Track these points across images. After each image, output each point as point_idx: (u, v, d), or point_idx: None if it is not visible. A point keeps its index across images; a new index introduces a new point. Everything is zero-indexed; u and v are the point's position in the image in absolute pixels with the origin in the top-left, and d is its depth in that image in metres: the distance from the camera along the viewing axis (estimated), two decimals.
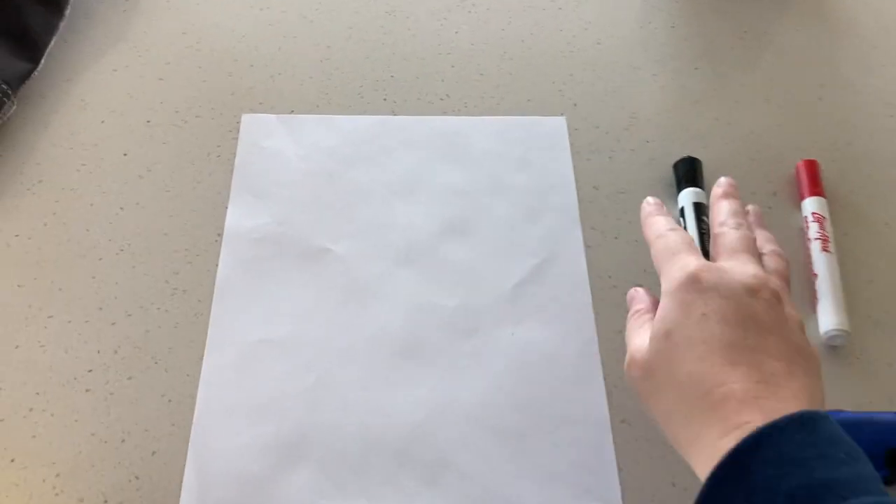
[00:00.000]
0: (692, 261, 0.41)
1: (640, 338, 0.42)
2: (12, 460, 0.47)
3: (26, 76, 0.60)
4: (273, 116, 0.61)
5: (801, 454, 0.32)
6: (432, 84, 0.65)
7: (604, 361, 0.52)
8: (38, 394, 0.49)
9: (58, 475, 0.47)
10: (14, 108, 0.60)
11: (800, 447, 0.33)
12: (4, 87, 0.58)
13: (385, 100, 0.64)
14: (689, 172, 0.59)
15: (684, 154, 0.61)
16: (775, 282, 0.40)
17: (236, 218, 0.56)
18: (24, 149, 0.59)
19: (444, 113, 0.63)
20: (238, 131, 0.61)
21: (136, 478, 0.47)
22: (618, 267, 0.56)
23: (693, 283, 0.39)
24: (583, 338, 0.52)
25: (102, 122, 0.61)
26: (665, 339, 0.39)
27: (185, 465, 0.47)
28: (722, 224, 0.45)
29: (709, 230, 0.51)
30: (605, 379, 0.51)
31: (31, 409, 0.49)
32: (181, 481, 0.46)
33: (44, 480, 0.46)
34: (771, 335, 0.38)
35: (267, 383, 0.49)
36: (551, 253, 0.55)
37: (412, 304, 0.53)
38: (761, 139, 0.63)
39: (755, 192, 0.60)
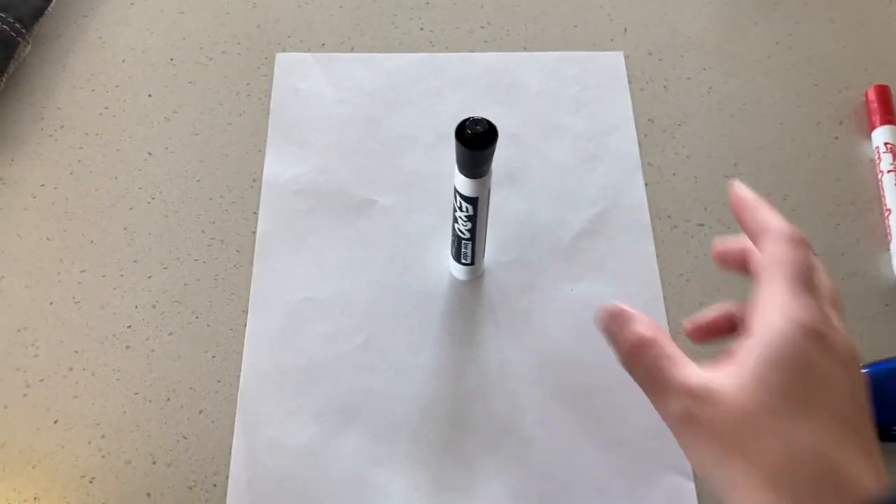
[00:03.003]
0: (814, 305, 0.31)
1: (706, 374, 0.31)
2: (55, 422, 0.45)
3: (39, 13, 0.56)
4: (308, 55, 0.57)
5: None
6: (471, 10, 0.61)
7: (667, 310, 0.49)
8: (76, 352, 0.47)
9: (103, 436, 0.45)
10: (28, 48, 0.56)
11: None
12: (17, 26, 0.55)
13: (421, 29, 0.59)
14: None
15: (744, 83, 0.57)
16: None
17: (274, 167, 0.52)
18: (43, 92, 0.56)
19: (486, 42, 0.59)
20: (268, 68, 0.57)
21: (184, 437, 0.45)
22: (677, 205, 0.53)
23: (817, 337, 0.30)
24: (648, 294, 0.49)
25: (123, 61, 0.58)
26: (781, 393, 0.30)
27: (233, 424, 0.45)
28: (785, 239, 0.33)
29: None
30: (669, 328, 0.48)
31: (70, 369, 0.47)
32: (230, 441, 0.45)
33: (89, 442, 0.45)
34: (866, 409, 0.31)
35: (313, 345, 0.47)
36: (611, 201, 0.52)
37: None
38: (826, 63, 0.59)
39: (820, 122, 0.56)
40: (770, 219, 0.35)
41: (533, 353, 0.47)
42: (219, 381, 0.46)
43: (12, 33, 0.54)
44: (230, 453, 0.44)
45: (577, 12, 0.61)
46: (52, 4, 0.58)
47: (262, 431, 0.45)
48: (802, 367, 0.30)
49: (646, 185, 0.53)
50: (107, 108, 0.55)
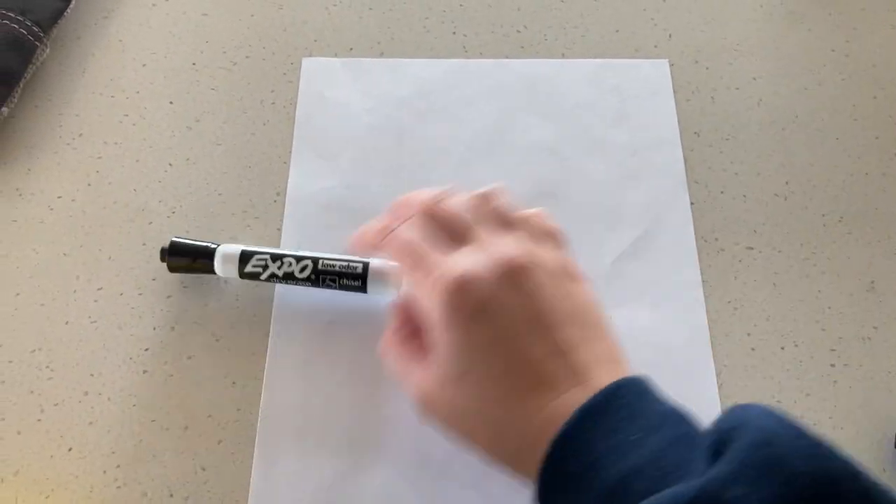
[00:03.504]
0: (448, 267, 0.35)
1: (417, 368, 0.38)
2: (70, 449, 0.43)
3: (58, 15, 0.54)
4: (336, 60, 0.54)
5: (594, 454, 0.31)
6: (507, 14, 0.58)
7: (713, 340, 0.46)
8: (92, 375, 0.45)
9: (118, 466, 0.43)
10: (47, 51, 0.54)
11: (591, 447, 0.31)
12: (35, 29, 0.53)
13: (454, 33, 0.57)
14: None
15: (797, 93, 0.54)
16: (528, 248, 0.36)
17: (299, 180, 0.50)
18: (62, 98, 0.54)
19: (522, 48, 0.56)
20: (293, 74, 0.54)
21: (203, 469, 0.43)
22: (724, 226, 0.49)
23: (460, 307, 0.34)
24: (692, 322, 0.46)
25: (144, 65, 0.55)
26: (461, 381, 0.35)
27: (252, 455, 0.43)
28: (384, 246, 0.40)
29: None
30: (715, 365, 0.45)
31: (86, 393, 0.45)
32: (249, 473, 0.42)
33: (104, 472, 0.43)
34: (555, 326, 0.35)
35: (337, 372, 0.45)
36: (654, 222, 0.49)
37: None
38: (886, 73, 0.55)
39: (878, 137, 0.53)
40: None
41: None
42: (239, 410, 0.44)
43: (30, 37, 0.52)
44: (249, 486, 0.42)
45: (619, 16, 0.57)
46: (71, 5, 0.55)
47: (282, 465, 0.42)
48: (459, 339, 0.34)
49: (691, 204, 0.50)
50: (127, 115, 0.53)
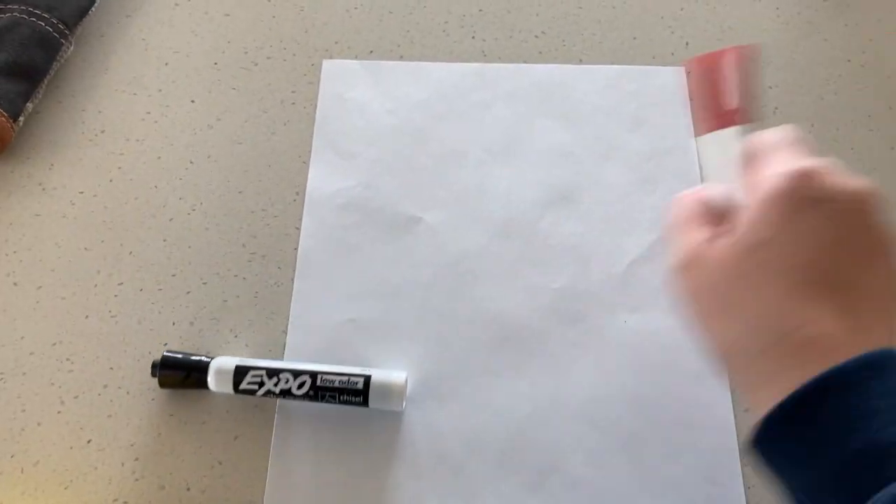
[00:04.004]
0: (795, 159, 0.33)
1: (698, 235, 0.35)
2: (89, 441, 0.44)
3: (83, 13, 0.55)
4: (356, 63, 0.55)
5: (870, 407, 0.29)
6: (525, 19, 0.58)
7: None
8: (111, 369, 0.46)
9: (136, 459, 0.44)
10: (71, 49, 0.55)
11: (869, 398, 0.29)
12: (61, 26, 0.53)
13: (473, 37, 0.57)
14: None
15: (813, 102, 0.54)
16: (879, 190, 0.34)
17: (319, 180, 0.51)
18: (85, 95, 0.54)
19: (540, 53, 0.56)
20: (314, 75, 0.55)
21: (220, 463, 0.43)
22: None
23: (796, 192, 0.32)
24: None
25: (166, 64, 0.56)
26: (750, 255, 0.32)
27: (269, 452, 0.43)
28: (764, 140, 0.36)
29: None
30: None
31: (105, 386, 0.45)
32: (265, 469, 0.43)
33: (123, 464, 0.43)
34: (873, 264, 0.32)
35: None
36: None
37: (511, 285, 0.47)
38: None
39: (894, 146, 0.53)
40: None
41: (583, 387, 0.44)
42: (255, 406, 0.45)
43: (55, 34, 0.53)
44: (265, 481, 0.43)
45: (637, 23, 0.58)
46: (96, 4, 0.56)
47: (298, 460, 0.43)
48: (782, 219, 0.32)
49: None
50: (149, 112, 0.54)
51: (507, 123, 0.53)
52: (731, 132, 0.37)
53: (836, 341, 0.31)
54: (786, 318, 0.31)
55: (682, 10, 0.58)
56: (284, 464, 0.43)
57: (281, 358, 0.46)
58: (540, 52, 0.56)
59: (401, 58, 0.56)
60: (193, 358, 0.44)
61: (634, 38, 0.57)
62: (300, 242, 0.49)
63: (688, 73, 0.41)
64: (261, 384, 0.43)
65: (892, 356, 0.30)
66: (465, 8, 0.58)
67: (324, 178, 0.51)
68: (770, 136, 0.35)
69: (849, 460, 0.29)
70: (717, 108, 0.37)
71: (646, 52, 0.57)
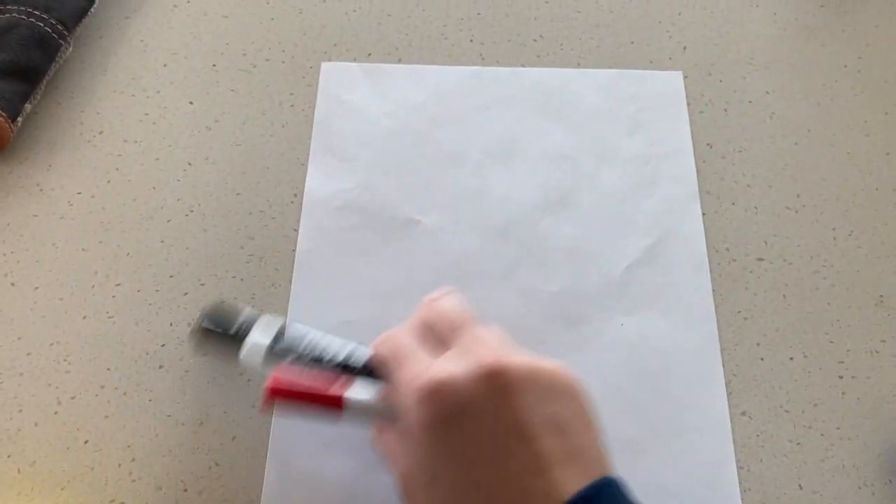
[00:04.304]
0: (417, 378, 0.33)
1: (393, 466, 0.36)
2: (86, 442, 0.44)
3: (82, 14, 0.55)
4: (355, 65, 0.55)
5: None
6: (524, 23, 0.58)
7: (723, 349, 0.46)
8: (108, 370, 0.46)
9: (133, 459, 0.44)
10: (70, 50, 0.55)
11: None
12: (59, 27, 0.53)
13: (471, 41, 0.57)
14: None
15: (810, 108, 0.54)
16: (511, 349, 0.34)
17: (317, 182, 0.51)
18: (83, 96, 0.55)
19: (538, 56, 0.56)
20: (312, 78, 0.55)
21: (216, 464, 0.43)
22: (735, 238, 0.50)
23: (433, 415, 0.32)
24: (702, 332, 0.46)
25: (165, 65, 0.56)
26: (428, 492, 0.33)
27: (266, 452, 0.43)
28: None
29: None
30: (724, 374, 0.46)
31: (102, 387, 0.45)
32: (263, 470, 0.43)
33: (119, 465, 0.43)
34: (533, 438, 0.31)
35: None
36: (667, 231, 0.49)
37: (508, 288, 0.47)
38: None
39: (889, 153, 0.53)
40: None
41: None
42: (253, 407, 0.45)
43: (54, 35, 0.53)
44: (262, 483, 0.43)
45: (635, 28, 0.58)
46: (95, 4, 0.56)
47: (295, 463, 0.43)
48: (436, 450, 0.32)
49: (703, 214, 0.51)
50: (147, 114, 0.54)
51: (505, 126, 0.53)
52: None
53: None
54: None
55: (679, 14, 0.59)
56: (282, 465, 0.43)
57: None
58: (538, 56, 0.57)
59: (399, 61, 0.56)
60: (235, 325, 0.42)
61: (632, 43, 0.57)
62: (298, 244, 0.49)
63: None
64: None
65: (609, 483, 0.31)
66: (464, 11, 0.59)
67: (322, 181, 0.51)
68: (392, 338, 0.37)
69: None
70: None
71: (643, 56, 0.57)
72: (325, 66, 0.55)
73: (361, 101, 0.54)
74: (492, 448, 0.31)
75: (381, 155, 0.52)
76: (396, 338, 0.37)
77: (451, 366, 0.33)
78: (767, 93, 0.55)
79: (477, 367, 0.32)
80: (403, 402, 0.34)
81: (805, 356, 0.46)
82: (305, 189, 0.51)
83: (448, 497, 0.32)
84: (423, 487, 0.33)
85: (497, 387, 0.32)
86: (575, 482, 0.31)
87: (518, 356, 0.33)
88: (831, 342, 0.47)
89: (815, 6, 0.59)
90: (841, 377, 0.46)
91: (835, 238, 0.50)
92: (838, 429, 0.44)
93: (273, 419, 0.44)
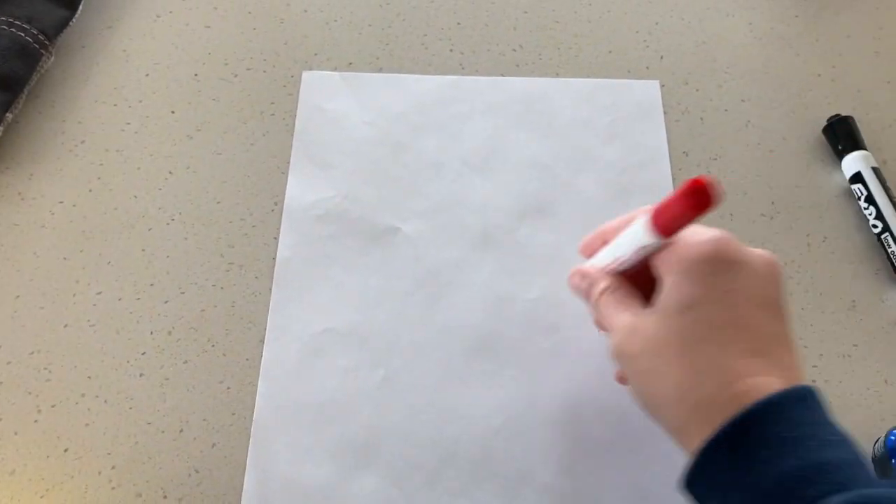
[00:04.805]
0: (708, 230, 0.36)
1: (632, 312, 0.38)
2: (66, 450, 0.44)
3: (64, 24, 0.55)
4: (336, 74, 0.56)
5: (797, 434, 0.32)
6: (503, 33, 0.59)
7: None
8: (89, 378, 0.46)
9: (113, 467, 0.44)
10: (52, 59, 0.55)
11: (795, 426, 0.32)
12: (41, 37, 0.54)
13: (451, 50, 0.58)
14: (849, 133, 0.53)
15: (784, 116, 0.55)
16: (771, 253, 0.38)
17: (297, 191, 0.51)
18: (65, 105, 0.55)
19: (517, 66, 0.57)
20: (293, 87, 0.56)
21: (196, 471, 0.44)
22: None
23: (718, 255, 0.35)
24: None
25: (147, 75, 0.56)
26: (682, 315, 0.35)
27: (246, 459, 0.44)
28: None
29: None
30: None
31: (83, 395, 0.46)
32: (242, 477, 0.43)
33: (99, 473, 0.44)
34: (784, 320, 0.36)
35: (331, 380, 0.46)
36: None
37: (487, 295, 0.48)
38: (870, 97, 0.57)
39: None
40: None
41: (557, 396, 0.45)
42: (233, 414, 0.45)
43: (35, 45, 0.53)
44: (242, 490, 0.43)
45: (613, 38, 0.59)
46: (76, 14, 0.57)
47: (275, 468, 0.43)
48: (706, 282, 0.35)
49: None
50: (129, 123, 0.54)
51: (485, 135, 0.53)
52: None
53: (768, 386, 0.33)
54: (723, 372, 0.34)
55: (657, 24, 0.60)
56: (261, 472, 0.43)
57: (256, 364, 0.46)
58: (517, 66, 0.57)
59: (380, 70, 0.57)
60: None
61: (610, 52, 0.58)
62: (278, 252, 0.49)
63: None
64: None
65: (810, 390, 0.33)
66: (444, 21, 0.59)
67: (302, 189, 0.51)
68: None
69: (773, 484, 0.31)
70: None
71: (621, 65, 0.57)
72: (305, 75, 0.56)
73: (342, 109, 0.54)
74: (752, 303, 0.35)
75: (362, 163, 0.52)
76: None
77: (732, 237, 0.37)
78: (743, 101, 0.56)
79: (761, 251, 0.37)
80: (678, 252, 0.36)
81: None
82: (286, 197, 0.51)
83: (693, 327, 0.35)
84: (670, 317, 0.35)
85: (771, 268, 0.36)
86: (801, 372, 0.35)
87: None
88: (805, 347, 0.48)
89: (789, 16, 0.60)
90: (814, 381, 0.47)
91: (808, 244, 0.51)
92: None
93: (253, 425, 0.44)
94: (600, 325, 0.41)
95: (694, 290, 0.35)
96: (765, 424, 0.32)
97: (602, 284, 0.40)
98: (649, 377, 0.36)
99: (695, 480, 0.34)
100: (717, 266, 0.35)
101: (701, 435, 0.33)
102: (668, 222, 0.35)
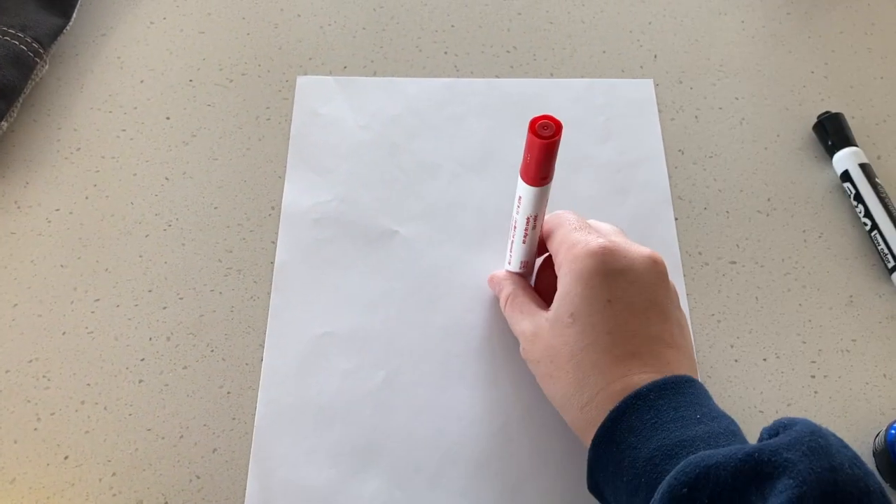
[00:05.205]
0: (593, 239, 0.39)
1: (531, 320, 0.41)
2: (66, 457, 0.44)
3: (58, 32, 0.55)
4: (330, 78, 0.56)
5: (660, 418, 0.35)
6: (497, 34, 0.59)
7: (697, 351, 0.47)
8: (88, 385, 0.46)
9: (114, 474, 0.44)
10: (46, 67, 0.55)
11: (659, 412, 0.35)
12: (35, 45, 0.54)
13: (446, 53, 0.58)
14: (839, 130, 0.54)
15: (778, 113, 0.55)
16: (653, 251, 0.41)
17: (294, 195, 0.51)
18: (60, 113, 0.55)
19: (511, 67, 0.57)
20: (288, 91, 0.56)
21: (197, 477, 0.44)
22: (708, 242, 0.51)
23: (600, 267, 0.38)
24: None
25: (141, 81, 0.56)
26: (569, 325, 0.39)
27: (247, 464, 0.44)
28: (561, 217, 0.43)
29: (886, 193, 0.50)
30: (699, 376, 0.47)
31: (82, 402, 0.45)
32: (244, 482, 0.43)
33: (100, 480, 0.43)
34: (668, 319, 0.39)
35: (332, 382, 0.46)
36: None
37: (486, 296, 0.48)
38: (863, 93, 0.57)
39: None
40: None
41: None
42: (233, 419, 0.45)
43: (30, 53, 0.53)
44: (244, 495, 0.43)
45: (606, 37, 0.59)
46: (70, 22, 0.57)
47: (277, 472, 0.43)
48: (589, 294, 0.38)
49: (675, 219, 0.51)
50: (124, 130, 0.54)
51: (480, 137, 0.53)
52: None
53: (641, 382, 0.36)
54: (602, 376, 0.37)
55: (650, 23, 0.60)
56: (263, 476, 0.43)
57: (256, 369, 0.46)
58: (511, 67, 0.57)
59: (374, 73, 0.57)
60: None
61: (604, 52, 0.58)
62: (276, 257, 0.49)
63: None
64: None
65: (685, 380, 0.36)
66: (438, 24, 0.59)
67: (299, 193, 0.51)
68: (560, 215, 0.43)
69: (640, 465, 0.34)
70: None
71: (615, 65, 0.58)
72: (301, 79, 0.56)
73: (337, 113, 0.54)
74: (637, 308, 0.38)
75: (358, 167, 0.52)
76: (564, 214, 0.43)
77: (620, 240, 0.40)
78: (737, 99, 0.57)
79: (644, 250, 0.40)
80: (568, 259, 0.40)
81: (778, 357, 0.47)
82: (283, 202, 0.51)
83: (580, 335, 0.38)
84: (561, 326, 0.39)
85: (655, 269, 0.39)
86: (678, 365, 0.38)
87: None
88: (803, 342, 0.48)
89: (781, 14, 0.61)
90: (813, 377, 0.47)
91: (805, 240, 0.51)
92: None
93: (255, 430, 0.44)
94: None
95: (578, 301, 0.38)
96: (633, 414, 0.35)
97: (505, 291, 0.44)
98: (549, 381, 0.40)
99: (592, 480, 0.37)
100: (599, 278, 0.38)
101: (589, 434, 0.37)
102: (526, 167, 0.39)
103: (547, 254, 0.44)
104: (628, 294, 0.38)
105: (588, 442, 0.37)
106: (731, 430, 0.34)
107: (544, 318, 0.40)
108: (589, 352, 0.38)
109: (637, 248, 0.40)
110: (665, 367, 0.37)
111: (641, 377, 0.36)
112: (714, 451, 0.32)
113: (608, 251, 0.39)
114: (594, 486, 0.38)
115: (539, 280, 0.46)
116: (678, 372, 0.37)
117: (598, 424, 0.36)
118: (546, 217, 0.43)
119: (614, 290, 0.38)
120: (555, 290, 0.40)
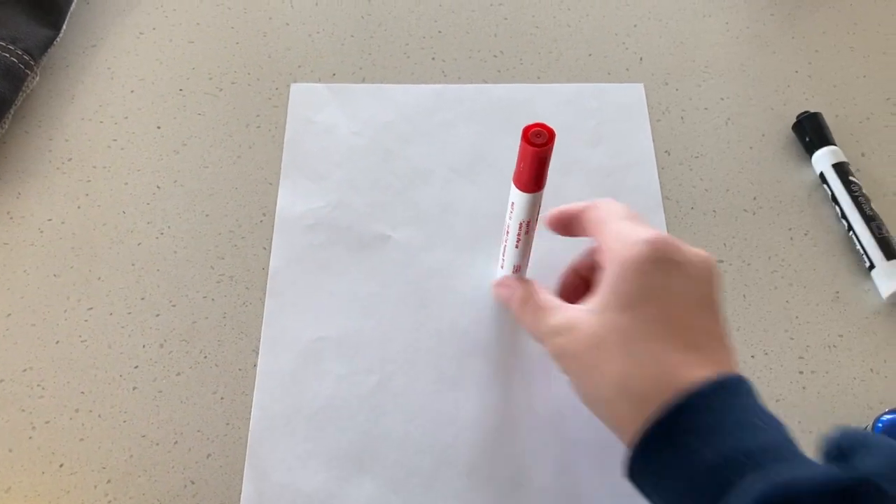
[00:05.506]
0: (647, 230, 0.38)
1: (562, 314, 0.39)
2: (61, 465, 0.44)
3: (48, 44, 0.56)
4: (323, 86, 0.56)
5: (722, 421, 0.33)
6: (484, 39, 0.60)
7: None
8: (82, 393, 0.46)
9: (109, 481, 0.44)
10: (37, 79, 0.55)
11: (720, 414, 0.33)
12: (26, 57, 0.54)
13: (433, 59, 0.59)
14: (817, 130, 0.54)
15: (763, 112, 0.56)
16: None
17: (287, 201, 0.52)
18: (51, 124, 0.55)
19: (499, 72, 0.58)
20: (278, 99, 0.56)
21: (192, 483, 0.44)
22: (695, 240, 0.51)
23: (655, 256, 0.37)
24: None
25: (132, 91, 0.57)
26: (622, 313, 0.37)
27: (242, 469, 0.44)
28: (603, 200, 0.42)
29: (861, 192, 0.51)
30: None
31: (76, 410, 0.46)
32: (239, 487, 0.43)
33: (95, 487, 0.44)
34: (718, 317, 0.38)
35: (326, 387, 0.46)
36: None
37: (478, 299, 0.48)
38: (846, 92, 0.58)
39: None
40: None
41: (552, 398, 0.45)
42: (227, 424, 0.45)
43: (20, 65, 0.54)
44: (239, 500, 0.43)
45: (592, 41, 0.60)
46: (61, 34, 0.57)
47: (272, 477, 0.43)
48: (644, 282, 0.36)
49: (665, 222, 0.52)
50: (115, 140, 0.55)
51: (470, 142, 0.54)
52: None
53: (700, 378, 0.34)
54: (660, 366, 0.35)
55: (635, 26, 0.60)
56: (258, 481, 0.43)
57: (249, 374, 0.46)
58: (498, 71, 0.58)
59: (363, 80, 0.57)
60: None
61: (590, 55, 0.59)
62: (271, 262, 0.50)
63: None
64: None
65: (740, 380, 0.35)
66: (425, 30, 0.60)
67: (293, 199, 0.52)
68: (608, 206, 0.41)
69: (701, 471, 0.32)
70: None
71: (601, 68, 0.58)
72: (294, 87, 0.56)
73: (330, 120, 0.55)
74: (690, 301, 0.37)
75: (351, 173, 0.53)
76: (610, 204, 0.42)
77: (672, 237, 0.38)
78: (722, 99, 0.57)
79: (699, 249, 0.38)
80: (620, 245, 0.38)
81: (766, 353, 0.48)
82: (277, 208, 0.52)
83: (632, 323, 0.36)
84: (608, 313, 0.37)
85: (707, 268, 0.38)
86: (732, 364, 0.37)
87: None
88: (791, 339, 0.48)
89: (765, 15, 0.61)
90: (801, 372, 0.47)
91: (791, 238, 0.52)
92: (799, 423, 0.46)
93: (249, 435, 0.45)
94: (532, 335, 0.42)
95: (632, 289, 0.37)
96: (694, 414, 0.34)
97: (518, 293, 0.43)
98: (592, 373, 0.37)
99: (633, 470, 0.35)
100: (655, 266, 0.37)
101: (637, 427, 0.35)
102: (519, 174, 0.39)
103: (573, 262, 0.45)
104: (687, 287, 0.37)
105: (628, 436, 0.35)
106: (789, 439, 0.33)
107: (580, 309, 0.38)
108: (644, 341, 0.36)
109: (692, 247, 0.39)
110: (722, 365, 0.36)
111: (700, 371, 0.35)
112: (798, 477, 0.30)
113: (666, 241, 0.37)
114: (634, 477, 0.36)
115: (564, 282, 0.45)
116: (733, 371, 0.36)
117: (649, 419, 0.34)
118: (587, 206, 0.42)
119: (672, 279, 0.37)
120: (576, 289, 0.40)
